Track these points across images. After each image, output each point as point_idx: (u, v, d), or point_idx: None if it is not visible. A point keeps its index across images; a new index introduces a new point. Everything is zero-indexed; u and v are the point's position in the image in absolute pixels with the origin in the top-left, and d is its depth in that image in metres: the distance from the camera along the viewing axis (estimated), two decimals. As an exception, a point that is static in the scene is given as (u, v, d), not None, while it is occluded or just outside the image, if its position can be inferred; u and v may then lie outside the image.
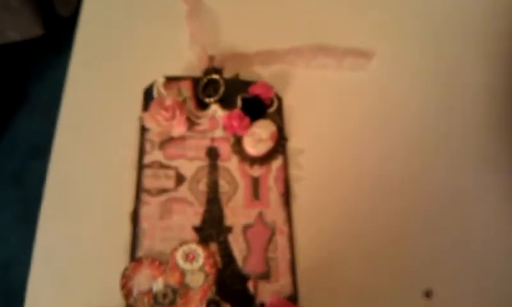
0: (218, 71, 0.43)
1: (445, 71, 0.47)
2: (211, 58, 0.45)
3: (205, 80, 0.42)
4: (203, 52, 0.44)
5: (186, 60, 0.44)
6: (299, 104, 0.43)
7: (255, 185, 0.38)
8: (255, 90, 0.42)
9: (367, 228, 0.38)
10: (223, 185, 0.38)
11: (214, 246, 0.35)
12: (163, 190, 0.37)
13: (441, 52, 0.48)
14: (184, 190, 0.37)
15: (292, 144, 0.41)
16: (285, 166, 0.40)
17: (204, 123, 0.40)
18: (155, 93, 0.41)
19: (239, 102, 0.41)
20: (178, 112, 0.39)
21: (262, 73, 0.45)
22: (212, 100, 0.41)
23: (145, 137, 0.39)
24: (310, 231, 0.37)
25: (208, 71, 0.43)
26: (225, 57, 0.45)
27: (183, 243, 0.35)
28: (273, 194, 0.38)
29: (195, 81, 0.42)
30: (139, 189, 0.37)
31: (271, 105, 0.42)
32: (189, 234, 0.36)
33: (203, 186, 0.38)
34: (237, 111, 0.41)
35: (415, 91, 0.46)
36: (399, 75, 0.46)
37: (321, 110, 0.43)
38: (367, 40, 0.47)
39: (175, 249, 0.34)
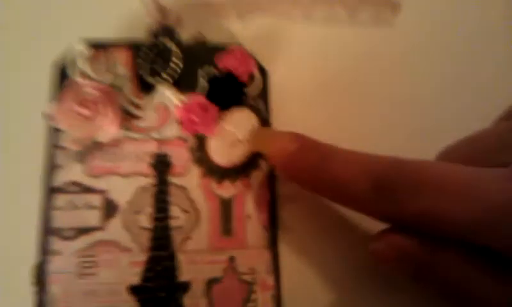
0: (171, 32, 0.29)
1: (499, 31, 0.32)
2: (162, 9, 0.30)
3: (150, 47, 0.28)
4: (151, -1, 0.29)
5: (123, 12, 0.30)
6: (293, 80, 0.29)
7: (226, 212, 0.26)
8: (226, 62, 0.28)
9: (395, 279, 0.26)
10: (177, 216, 0.25)
11: (161, 317, 0.24)
12: (84, 230, 0.24)
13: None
14: (116, 228, 0.25)
15: (282, 144, 0.28)
16: (271, 181, 0.27)
17: (148, 116, 0.27)
18: (71, 70, 0.27)
19: (203, 83, 0.27)
20: (106, 105, 0.25)
21: (239, 32, 0.30)
22: (160, 79, 0.27)
23: (55, 142, 0.26)
24: (306, 284, 0.25)
25: (156, 33, 0.29)
26: (183, 5, 0.30)
27: (112, 318, 0.23)
28: (252, 226, 0.26)
29: (136, 48, 0.28)
30: (46, 229, 0.24)
31: (250, 84, 0.28)
32: (123, 299, 0.23)
33: (145, 219, 0.25)
34: (198, 98, 0.27)
35: (463, 56, 0.31)
36: (441, 32, 0.31)
37: (327, 89, 0.29)
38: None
39: (98, 332, 0.22)
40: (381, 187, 0.20)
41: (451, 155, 0.25)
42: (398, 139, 0.29)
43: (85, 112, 0.24)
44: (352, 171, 0.21)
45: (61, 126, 0.25)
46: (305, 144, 0.23)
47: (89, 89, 0.25)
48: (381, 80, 0.30)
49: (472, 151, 0.23)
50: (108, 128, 0.25)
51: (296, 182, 0.24)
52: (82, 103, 0.25)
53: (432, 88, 0.30)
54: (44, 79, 0.26)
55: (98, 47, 0.27)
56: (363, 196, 0.20)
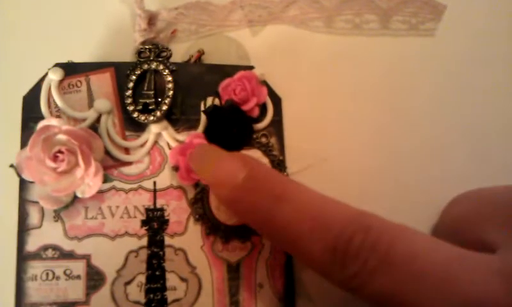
0: (161, 50, 0.23)
1: None
2: (152, 17, 0.24)
3: (137, 72, 0.23)
4: (139, 4, 0.24)
5: (105, 32, 0.24)
6: (313, 107, 0.24)
7: (233, 280, 0.22)
8: (231, 89, 0.23)
9: None
10: (175, 286, 0.21)
11: None
12: (63, 306, 0.21)
13: None
14: (103, 302, 0.21)
15: (300, 190, 0.23)
16: (287, 239, 0.22)
17: (138, 160, 0.22)
18: (43, 105, 0.22)
19: (202, 119, 0.23)
20: (85, 154, 0.20)
21: (247, 45, 0.25)
22: (151, 118, 0.22)
23: (27, 197, 0.21)
24: None
25: (143, 51, 0.23)
26: (177, 12, 0.24)
27: None
28: (264, 297, 0.22)
29: (121, 74, 0.23)
30: (19, 306, 0.20)
31: (260, 116, 0.23)
32: None
33: (136, 292, 0.21)
34: (197, 139, 0.22)
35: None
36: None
37: (355, 118, 0.24)
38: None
39: None
40: (338, 252, 0.16)
41: (460, 203, 0.21)
42: (435, 167, 0.24)
43: (59, 167, 0.20)
44: (306, 224, 0.16)
45: (32, 179, 0.21)
46: (256, 176, 0.18)
47: (64, 136, 0.20)
48: (419, 102, 0.24)
49: (480, 204, 0.20)
50: (90, 180, 0.21)
51: (243, 221, 0.20)
52: (56, 155, 0.20)
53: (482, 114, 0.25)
54: (16, 114, 0.22)
55: (77, 72, 0.22)
56: (316, 257, 0.16)
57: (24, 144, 0.21)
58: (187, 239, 0.22)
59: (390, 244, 0.15)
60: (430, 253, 0.15)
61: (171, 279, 0.21)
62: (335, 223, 0.16)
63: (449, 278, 0.14)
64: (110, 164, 0.22)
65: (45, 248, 0.21)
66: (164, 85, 0.22)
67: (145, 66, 0.23)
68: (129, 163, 0.22)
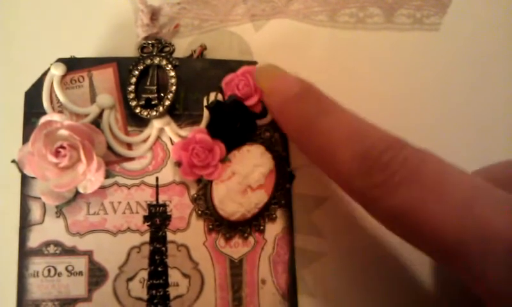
0: (164, 45, 0.23)
1: None
2: (155, 12, 0.24)
3: (140, 67, 0.22)
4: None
5: (107, 21, 0.24)
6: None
7: (236, 276, 0.21)
8: (234, 84, 0.22)
9: None
10: (177, 282, 0.21)
11: None
12: (65, 303, 0.20)
13: None
14: (105, 298, 0.21)
15: (303, 186, 0.23)
16: (290, 235, 0.22)
17: (140, 155, 0.22)
18: (45, 100, 0.22)
19: (205, 114, 0.22)
20: (87, 150, 0.20)
21: (250, 40, 0.25)
22: (154, 113, 0.22)
23: (28, 193, 0.21)
24: None
25: (146, 46, 0.23)
26: (180, 7, 0.24)
27: None
28: (267, 293, 0.21)
29: (123, 69, 0.22)
30: (21, 302, 0.20)
31: (263, 111, 0.23)
32: None
33: (138, 288, 0.21)
34: (200, 134, 0.22)
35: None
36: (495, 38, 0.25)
37: (359, 113, 0.24)
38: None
39: None
40: (367, 160, 0.17)
41: (493, 172, 0.21)
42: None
43: (61, 162, 0.20)
44: (344, 133, 0.18)
45: (34, 175, 0.21)
46: (307, 92, 0.20)
47: (66, 132, 0.20)
48: (424, 96, 0.24)
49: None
50: (92, 176, 0.21)
51: (285, 129, 0.21)
52: (58, 150, 0.20)
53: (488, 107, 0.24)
54: (18, 110, 0.22)
55: (79, 68, 0.22)
56: (345, 164, 0.17)
57: (26, 139, 0.21)
58: (190, 235, 0.21)
59: (422, 161, 0.16)
60: (458, 179, 0.16)
61: (174, 275, 0.21)
62: (371, 136, 0.17)
63: (472, 205, 0.15)
64: (112, 159, 0.22)
65: (47, 244, 0.21)
66: (166, 80, 0.22)
67: (148, 61, 0.22)
68: (131, 158, 0.22)
